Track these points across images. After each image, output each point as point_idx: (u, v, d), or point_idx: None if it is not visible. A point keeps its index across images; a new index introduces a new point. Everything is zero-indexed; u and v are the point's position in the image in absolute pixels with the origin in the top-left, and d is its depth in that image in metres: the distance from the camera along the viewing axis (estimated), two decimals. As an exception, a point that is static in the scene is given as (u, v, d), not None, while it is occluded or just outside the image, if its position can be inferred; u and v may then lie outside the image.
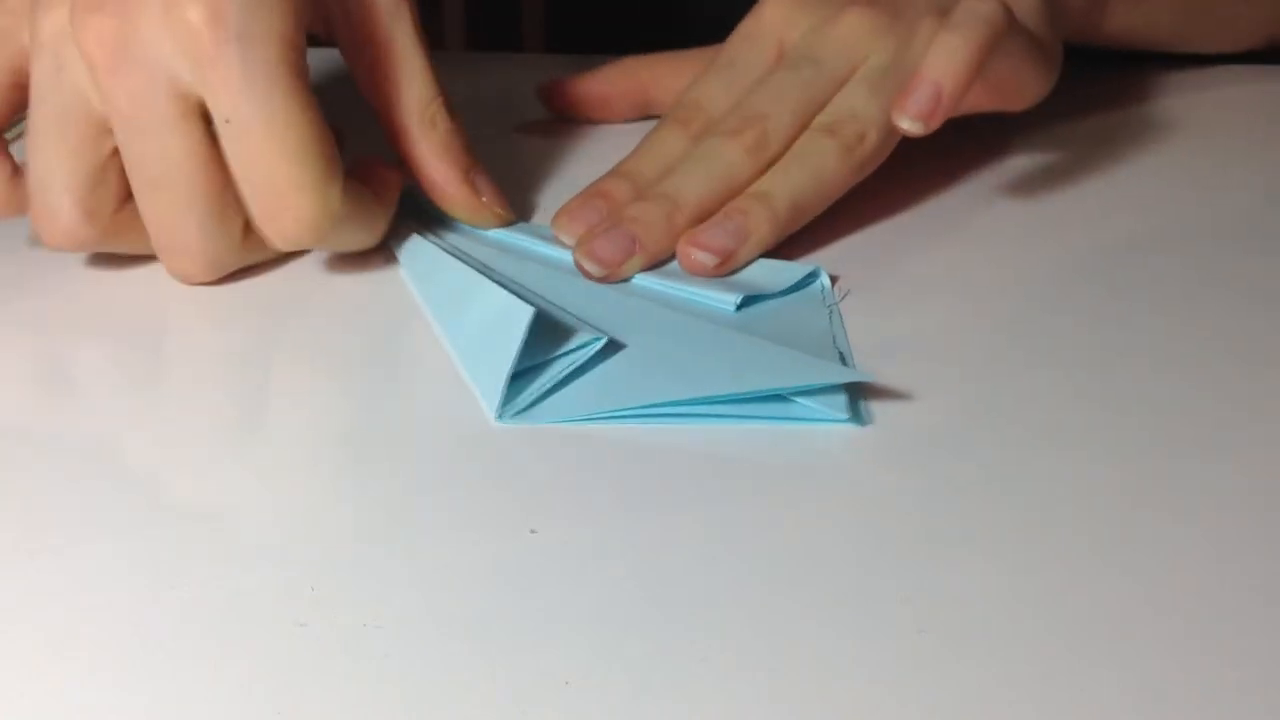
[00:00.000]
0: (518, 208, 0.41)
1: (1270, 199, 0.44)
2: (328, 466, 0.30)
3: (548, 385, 0.32)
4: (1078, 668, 0.24)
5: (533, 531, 0.27)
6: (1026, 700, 0.23)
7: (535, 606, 0.25)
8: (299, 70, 0.34)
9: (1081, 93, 0.50)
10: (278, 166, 0.34)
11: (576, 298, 0.36)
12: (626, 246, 0.37)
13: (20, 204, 0.36)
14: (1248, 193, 0.44)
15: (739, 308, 0.36)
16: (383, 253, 0.39)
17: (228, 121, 0.34)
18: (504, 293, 0.33)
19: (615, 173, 0.40)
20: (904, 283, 0.38)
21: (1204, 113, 0.50)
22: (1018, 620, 0.25)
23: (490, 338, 0.32)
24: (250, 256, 0.37)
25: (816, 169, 0.38)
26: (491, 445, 0.30)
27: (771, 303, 0.36)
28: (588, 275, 0.37)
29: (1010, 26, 0.39)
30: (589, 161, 0.45)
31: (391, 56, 0.38)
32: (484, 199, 0.39)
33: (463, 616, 0.25)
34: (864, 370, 0.33)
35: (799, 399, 0.31)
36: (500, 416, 0.31)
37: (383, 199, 0.38)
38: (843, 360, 0.33)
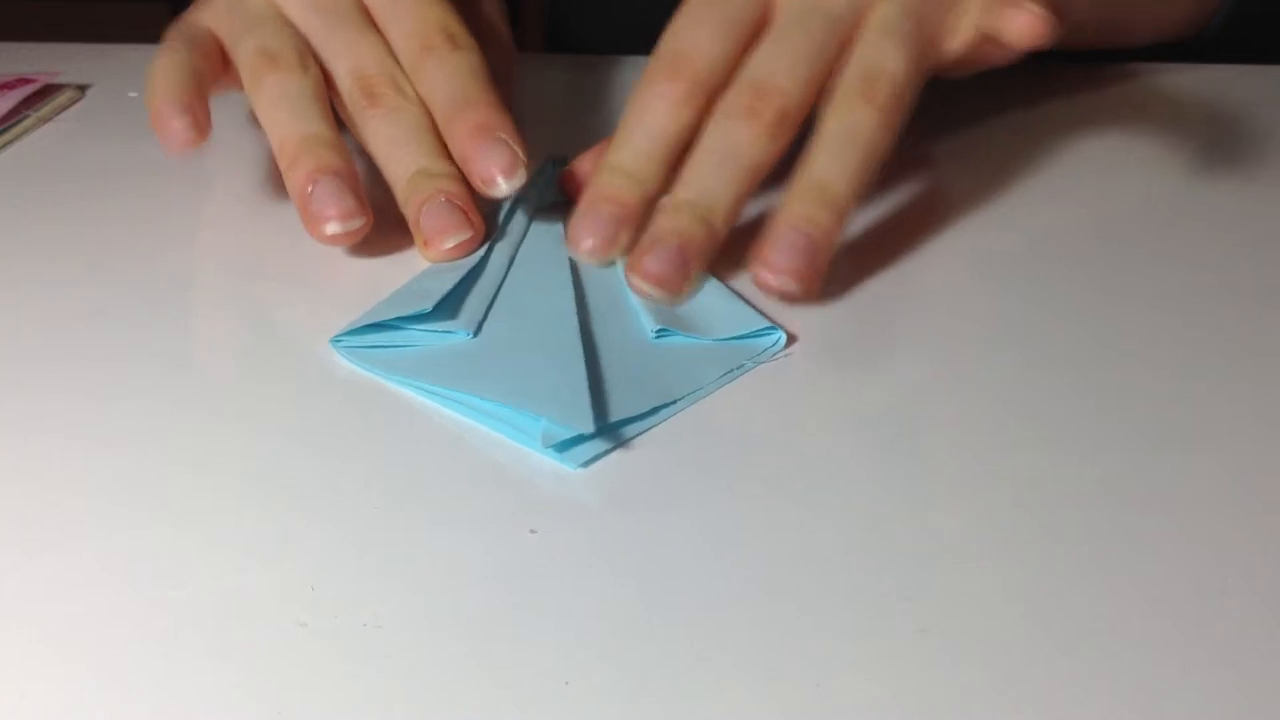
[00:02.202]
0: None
1: (1263, 191, 0.44)
2: (328, 466, 0.30)
3: (386, 343, 0.34)
4: (1077, 667, 0.24)
5: (533, 531, 0.27)
6: (1026, 700, 0.23)
7: (535, 606, 0.25)
8: None
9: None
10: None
11: (522, 280, 0.37)
12: (681, 262, 0.34)
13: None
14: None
15: (657, 336, 0.34)
16: (386, 253, 0.39)
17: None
18: (451, 280, 0.36)
19: (611, 168, 0.36)
20: (903, 280, 0.38)
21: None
22: (1018, 620, 0.25)
23: (397, 299, 0.35)
24: None
25: (865, 145, 0.35)
26: (491, 445, 0.30)
27: (692, 344, 0.34)
28: (646, 296, 0.34)
29: None
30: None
31: None
32: None
33: (463, 616, 0.25)
34: (621, 433, 0.31)
35: (545, 419, 0.30)
36: (333, 339, 0.34)
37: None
38: (662, 405, 0.31)
